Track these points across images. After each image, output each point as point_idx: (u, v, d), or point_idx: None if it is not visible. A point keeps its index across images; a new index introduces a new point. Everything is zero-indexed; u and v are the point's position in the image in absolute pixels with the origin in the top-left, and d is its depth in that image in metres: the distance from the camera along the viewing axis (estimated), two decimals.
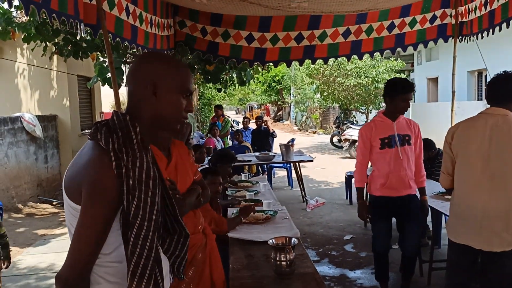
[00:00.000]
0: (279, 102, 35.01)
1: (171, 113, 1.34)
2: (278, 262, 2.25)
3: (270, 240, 2.36)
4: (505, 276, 2.48)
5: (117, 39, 3.25)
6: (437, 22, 4.90)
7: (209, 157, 5.24)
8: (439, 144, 5.19)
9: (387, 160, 3.53)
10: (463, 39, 4.69)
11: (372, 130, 3.59)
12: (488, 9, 4.03)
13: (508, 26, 3.79)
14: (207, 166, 4.58)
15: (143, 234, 1.19)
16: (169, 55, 1.35)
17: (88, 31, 2.99)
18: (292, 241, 2.36)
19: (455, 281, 2.64)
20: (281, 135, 18.27)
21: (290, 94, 29.62)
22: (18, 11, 7.40)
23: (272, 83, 31.78)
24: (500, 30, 3.93)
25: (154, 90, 1.31)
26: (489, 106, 2.60)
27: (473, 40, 4.49)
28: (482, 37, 4.26)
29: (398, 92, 3.45)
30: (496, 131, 2.47)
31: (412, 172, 3.59)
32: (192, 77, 1.42)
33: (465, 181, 2.57)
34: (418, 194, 3.68)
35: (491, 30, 4.07)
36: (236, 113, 51.01)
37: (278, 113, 38.87)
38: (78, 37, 6.09)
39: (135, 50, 3.72)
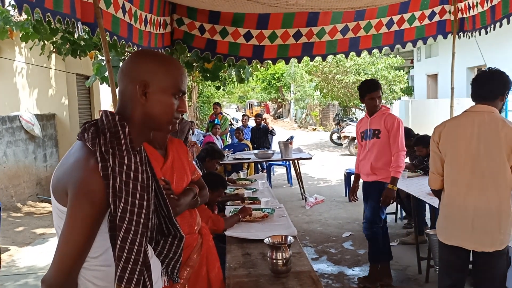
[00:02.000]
0: (279, 100, 34.98)
1: (162, 113, 1.29)
2: (274, 261, 2.25)
3: (266, 239, 2.35)
4: (496, 276, 2.46)
5: (114, 37, 3.24)
6: (436, 18, 4.87)
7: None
8: None
9: (360, 151, 4.09)
10: (465, 35, 4.67)
11: (359, 125, 4.16)
12: (489, 4, 4.00)
13: (508, 22, 3.77)
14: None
15: (131, 237, 1.16)
16: (163, 54, 1.30)
17: (86, 29, 2.98)
18: (288, 239, 2.36)
19: (448, 283, 2.62)
20: (281, 132, 18.27)
21: (290, 92, 29.59)
22: (16, 10, 7.38)
23: (272, 81, 31.73)
24: (500, 26, 3.91)
25: (145, 90, 1.27)
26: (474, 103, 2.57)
27: (474, 36, 4.46)
28: (486, 32, 4.23)
29: (365, 92, 3.92)
30: (484, 129, 2.44)
31: (379, 162, 3.86)
32: (186, 76, 1.38)
33: (455, 181, 2.54)
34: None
35: (492, 26, 4.04)
36: (236, 111, 50.99)
37: (278, 111, 38.86)
38: (76, 36, 6.07)
39: (135, 48, 3.69)
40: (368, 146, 3.92)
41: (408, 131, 5.61)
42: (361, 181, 4.19)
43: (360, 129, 4.09)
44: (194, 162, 4.36)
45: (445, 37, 4.96)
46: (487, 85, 2.50)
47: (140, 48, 3.76)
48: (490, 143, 2.42)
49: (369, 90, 3.87)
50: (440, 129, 2.61)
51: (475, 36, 4.45)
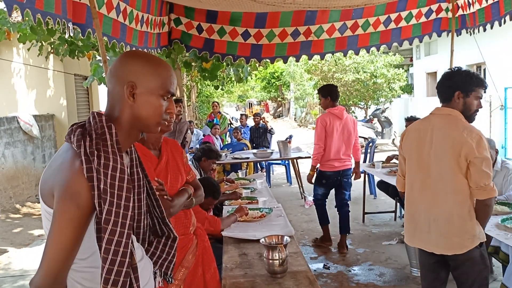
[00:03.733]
0: (278, 99, 34.98)
1: (149, 115, 1.28)
2: (270, 261, 2.23)
3: (262, 239, 2.34)
4: (471, 280, 2.40)
5: (105, 37, 3.22)
6: (433, 16, 4.86)
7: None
8: None
9: None
10: (467, 31, 4.65)
11: None
12: (490, 1, 3.98)
13: (511, 19, 3.76)
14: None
15: (116, 239, 1.15)
16: (152, 55, 1.29)
17: (77, 29, 2.96)
18: (285, 239, 2.34)
19: (424, 284, 2.64)
20: (281, 131, 18.23)
21: (290, 90, 29.57)
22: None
23: (271, 80, 31.73)
24: (504, 22, 3.89)
25: (133, 91, 1.26)
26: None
27: (476, 33, 4.44)
28: (485, 29, 4.21)
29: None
30: (436, 133, 2.40)
31: None
32: (175, 78, 1.36)
33: (412, 185, 2.53)
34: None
35: (496, 23, 4.02)
36: (236, 110, 51.03)
37: (278, 110, 38.86)
38: (66, 36, 6.06)
39: (128, 48, 3.68)
40: None
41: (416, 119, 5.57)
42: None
43: None
44: (190, 163, 4.35)
45: (439, 35, 4.96)
46: (440, 86, 2.46)
47: (135, 49, 3.75)
48: (439, 148, 2.37)
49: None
50: (404, 133, 2.63)
51: (476, 33, 4.43)
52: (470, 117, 2.41)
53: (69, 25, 2.68)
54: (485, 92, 2.44)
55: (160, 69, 1.30)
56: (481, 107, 2.43)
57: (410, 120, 5.71)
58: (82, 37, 3.37)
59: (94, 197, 1.14)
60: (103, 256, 1.14)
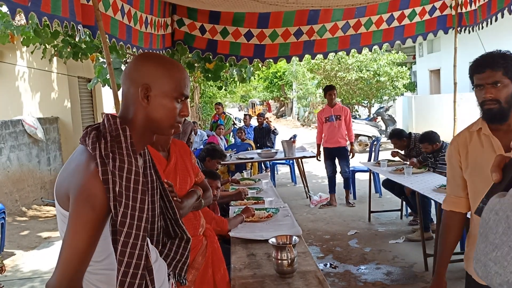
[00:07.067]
0: (281, 98, 34.92)
1: (163, 117, 1.28)
2: (279, 261, 2.23)
3: (271, 239, 2.33)
4: None
5: (113, 39, 3.23)
6: (437, 13, 4.85)
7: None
8: (443, 136, 5.18)
9: (326, 128, 6.72)
10: (466, 29, 4.64)
11: (322, 113, 6.84)
12: None
13: (502, 16, 3.76)
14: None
15: (131, 242, 1.15)
16: (166, 57, 1.30)
17: (87, 32, 2.96)
18: (293, 239, 2.34)
19: None
20: (284, 131, 18.23)
21: (292, 90, 29.53)
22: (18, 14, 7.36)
23: (274, 79, 31.66)
24: (496, 20, 3.89)
25: (147, 93, 1.26)
26: None
27: (475, 31, 4.43)
28: (483, 27, 4.21)
29: (326, 91, 6.64)
30: None
31: (343, 135, 6.65)
32: (189, 80, 1.36)
33: None
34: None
35: (490, 20, 4.03)
36: (239, 110, 51.00)
37: (281, 109, 38.80)
38: (77, 38, 6.08)
39: (134, 50, 3.68)
40: (336, 125, 6.59)
41: (400, 132, 5.75)
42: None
43: (324, 115, 6.74)
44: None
45: (445, 32, 4.94)
46: None
47: (141, 50, 3.76)
48: None
49: (327, 90, 6.63)
50: None
51: (476, 30, 4.42)
52: (482, 111, 1.87)
53: (79, 27, 2.67)
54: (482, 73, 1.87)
55: (174, 72, 1.30)
56: (485, 97, 1.81)
57: (394, 136, 5.71)
58: (93, 39, 3.37)
59: (109, 199, 1.15)
60: (119, 258, 1.14)
